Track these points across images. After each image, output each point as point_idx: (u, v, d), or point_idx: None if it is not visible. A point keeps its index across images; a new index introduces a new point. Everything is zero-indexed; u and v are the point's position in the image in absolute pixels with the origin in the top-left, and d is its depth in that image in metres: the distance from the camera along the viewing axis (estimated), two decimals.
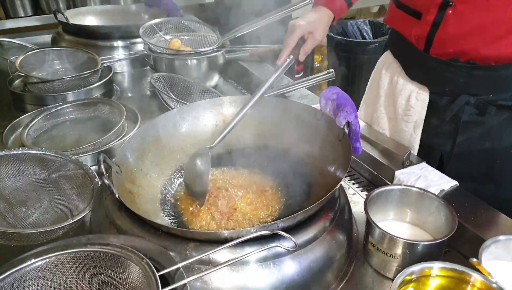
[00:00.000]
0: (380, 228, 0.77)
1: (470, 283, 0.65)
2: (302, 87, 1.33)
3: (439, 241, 0.75)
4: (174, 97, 1.33)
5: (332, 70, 1.35)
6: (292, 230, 0.73)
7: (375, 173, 1.06)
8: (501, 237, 0.70)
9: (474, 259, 0.65)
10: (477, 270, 0.65)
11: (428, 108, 1.15)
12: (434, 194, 0.84)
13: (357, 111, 0.91)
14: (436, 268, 0.67)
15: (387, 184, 0.97)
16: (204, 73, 1.49)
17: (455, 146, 1.14)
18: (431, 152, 1.07)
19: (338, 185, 0.77)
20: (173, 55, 1.46)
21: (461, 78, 1.07)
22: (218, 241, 0.69)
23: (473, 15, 1.00)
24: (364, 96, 1.41)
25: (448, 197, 0.92)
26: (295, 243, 0.68)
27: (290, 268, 0.71)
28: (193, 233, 0.74)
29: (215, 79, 1.55)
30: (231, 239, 0.68)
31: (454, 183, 0.96)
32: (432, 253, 0.75)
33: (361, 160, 1.09)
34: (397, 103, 1.21)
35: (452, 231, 0.75)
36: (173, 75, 1.43)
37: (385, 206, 0.87)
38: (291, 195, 0.92)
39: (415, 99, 1.16)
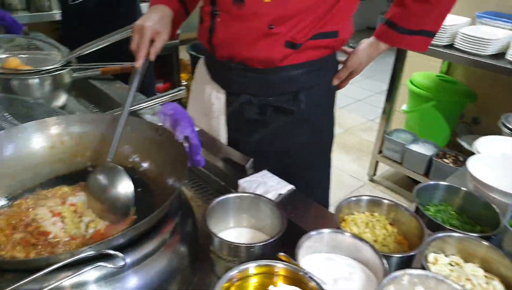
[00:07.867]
0: (218, 236, 0.80)
1: (278, 274, 0.70)
2: (155, 104, 1.33)
3: (270, 241, 0.80)
4: (14, 122, 1.21)
5: (183, 87, 1.38)
6: (127, 247, 0.72)
7: (222, 183, 1.10)
8: (312, 233, 0.77)
9: (282, 253, 0.71)
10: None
11: (227, 107, 1.27)
12: (267, 198, 0.90)
13: None
14: (252, 267, 0.70)
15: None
16: (48, 93, 1.39)
17: (254, 144, 1.26)
18: (239, 148, 1.18)
19: (171, 198, 0.77)
20: (9, 75, 1.34)
21: (240, 78, 1.20)
22: (39, 269, 0.64)
23: (234, 23, 1.14)
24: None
25: (285, 201, 1.00)
26: (123, 259, 0.67)
27: (131, 284, 0.70)
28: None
29: (63, 99, 1.46)
30: (52, 264, 0.64)
31: (290, 187, 1.04)
32: (269, 253, 0.80)
33: (209, 171, 1.13)
34: (203, 101, 1.33)
35: (281, 231, 0.82)
36: (10, 96, 1.30)
37: (225, 214, 0.90)
38: (136, 211, 0.90)
39: (215, 98, 1.28)
